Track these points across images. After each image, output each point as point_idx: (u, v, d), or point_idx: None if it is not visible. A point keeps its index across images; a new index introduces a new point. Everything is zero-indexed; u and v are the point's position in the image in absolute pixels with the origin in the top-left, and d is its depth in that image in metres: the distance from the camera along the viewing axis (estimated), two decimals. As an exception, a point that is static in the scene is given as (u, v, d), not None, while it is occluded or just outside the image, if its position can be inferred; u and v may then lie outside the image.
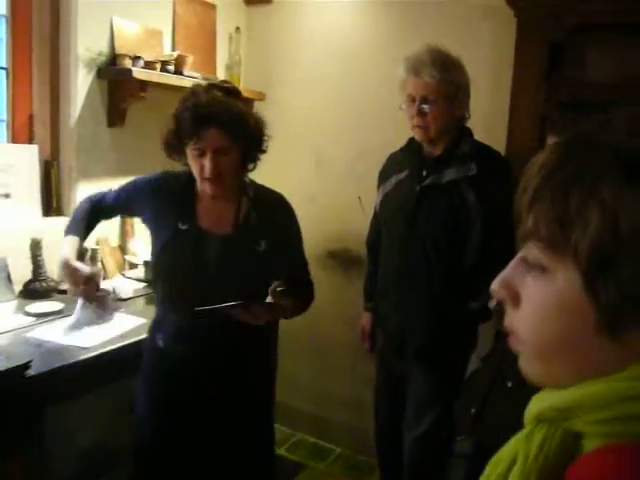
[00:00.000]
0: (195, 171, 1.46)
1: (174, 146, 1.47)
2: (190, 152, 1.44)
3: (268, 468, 1.75)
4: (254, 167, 1.58)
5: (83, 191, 2.18)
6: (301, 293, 1.62)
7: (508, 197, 1.85)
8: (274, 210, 1.61)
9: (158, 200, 1.54)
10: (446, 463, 2.02)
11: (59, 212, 2.18)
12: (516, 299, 0.52)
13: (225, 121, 1.40)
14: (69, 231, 1.62)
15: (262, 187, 1.62)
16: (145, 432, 1.54)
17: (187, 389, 1.51)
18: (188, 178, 1.53)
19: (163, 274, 1.52)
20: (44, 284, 1.95)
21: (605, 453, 0.45)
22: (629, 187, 0.43)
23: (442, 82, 1.75)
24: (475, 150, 1.83)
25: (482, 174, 1.78)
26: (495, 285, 0.53)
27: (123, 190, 1.65)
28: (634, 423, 0.44)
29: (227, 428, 1.57)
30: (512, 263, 0.53)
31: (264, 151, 1.55)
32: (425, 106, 1.77)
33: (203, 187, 1.47)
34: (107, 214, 1.73)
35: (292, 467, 2.71)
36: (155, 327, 1.56)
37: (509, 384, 1.47)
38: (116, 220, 2.33)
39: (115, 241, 2.35)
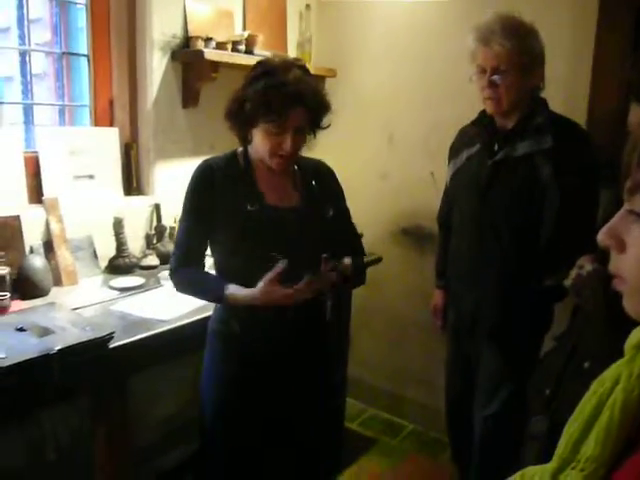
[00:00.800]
0: (265, 147, 1.44)
1: (244, 120, 1.44)
2: (265, 128, 1.41)
3: (336, 445, 1.77)
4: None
5: (160, 171, 2.28)
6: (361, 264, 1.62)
7: (588, 170, 1.78)
8: (325, 176, 1.62)
9: (217, 189, 1.48)
10: (518, 443, 1.97)
11: (139, 191, 2.29)
12: (622, 245, 0.57)
13: (312, 101, 1.42)
14: (209, 293, 1.53)
15: (302, 156, 1.60)
16: (220, 410, 1.56)
17: (263, 369, 1.53)
18: (233, 158, 1.53)
19: (239, 260, 1.48)
20: (127, 260, 2.06)
21: None
22: None
23: (513, 51, 1.67)
24: (551, 121, 1.74)
25: (559, 146, 1.69)
26: (602, 234, 0.58)
27: (187, 221, 1.53)
28: None
29: (300, 405, 1.60)
30: (618, 214, 0.58)
31: (327, 127, 1.54)
32: (496, 77, 1.70)
33: (271, 163, 1.47)
34: (201, 255, 1.57)
35: (364, 442, 2.74)
36: (228, 313, 1.53)
37: (586, 364, 1.42)
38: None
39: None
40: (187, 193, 1.52)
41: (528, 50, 1.70)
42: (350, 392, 2.83)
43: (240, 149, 1.54)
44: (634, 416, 0.55)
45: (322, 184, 1.58)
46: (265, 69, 1.42)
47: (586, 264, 1.43)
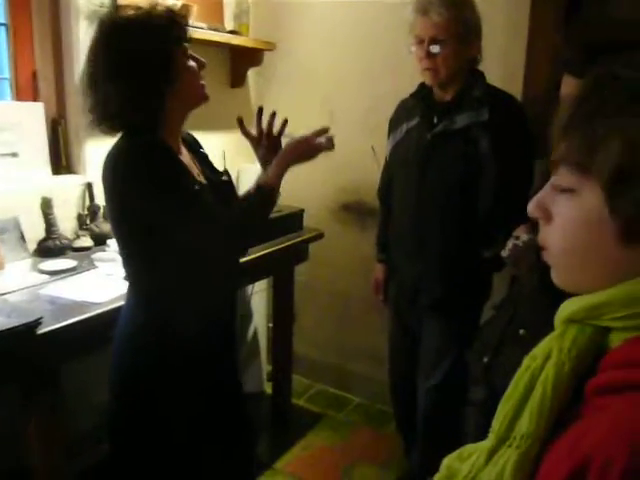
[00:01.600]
0: (192, 84, 1.29)
1: (160, 69, 1.22)
2: (183, 63, 1.27)
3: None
4: None
5: (92, 148, 2.17)
6: None
7: (523, 142, 1.81)
8: (197, 143, 1.55)
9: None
10: (460, 412, 2.02)
11: (69, 170, 2.17)
12: (549, 217, 0.60)
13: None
14: (259, 198, 1.36)
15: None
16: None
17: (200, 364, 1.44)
18: (156, 138, 1.27)
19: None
20: (57, 242, 1.96)
21: (635, 342, 0.52)
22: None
23: (451, 20, 1.67)
24: (488, 94, 1.76)
25: (495, 119, 1.72)
26: (530, 205, 0.61)
27: (182, 187, 1.28)
28: None
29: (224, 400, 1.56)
30: (545, 187, 0.60)
31: None
32: (434, 46, 1.70)
33: (200, 97, 1.34)
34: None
35: (312, 417, 2.76)
36: (168, 317, 1.36)
37: (521, 332, 1.45)
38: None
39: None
40: (153, 168, 1.23)
41: (465, 20, 1.70)
42: (296, 369, 2.83)
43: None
44: (566, 391, 0.56)
45: (203, 153, 1.51)
46: (136, 20, 1.24)
47: (521, 234, 1.46)
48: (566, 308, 0.59)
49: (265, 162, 1.52)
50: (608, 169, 0.52)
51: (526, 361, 0.61)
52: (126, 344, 1.38)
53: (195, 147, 1.49)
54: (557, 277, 0.61)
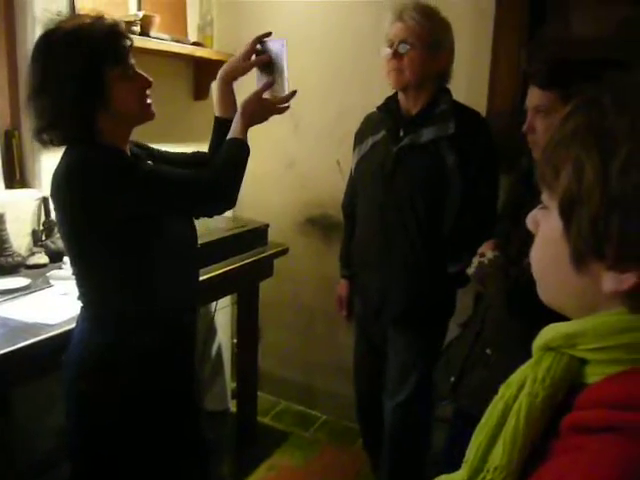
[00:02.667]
0: (130, 100, 1.25)
1: (89, 86, 1.20)
2: (118, 80, 1.23)
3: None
4: None
5: (48, 162, 2.09)
6: None
7: (489, 158, 1.84)
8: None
9: None
10: (428, 428, 2.01)
11: (23, 184, 2.09)
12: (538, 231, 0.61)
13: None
14: (232, 149, 1.40)
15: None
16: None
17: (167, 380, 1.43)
18: (103, 148, 1.26)
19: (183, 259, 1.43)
20: (10, 259, 1.87)
21: (615, 380, 0.51)
22: (596, 152, 0.51)
23: (423, 27, 1.70)
24: (454, 109, 1.77)
25: (461, 133, 1.73)
26: (527, 218, 0.62)
27: (147, 169, 1.34)
28: (634, 351, 0.50)
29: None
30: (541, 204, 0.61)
31: None
32: (402, 45, 1.71)
33: (146, 114, 1.31)
34: None
35: (277, 435, 2.70)
36: (130, 326, 1.34)
37: (488, 351, 1.44)
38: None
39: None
40: (110, 163, 1.21)
41: (437, 32, 1.74)
42: (261, 386, 2.78)
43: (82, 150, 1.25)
44: (539, 421, 0.54)
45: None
46: (70, 33, 1.21)
47: (487, 252, 1.45)
48: (544, 335, 0.58)
49: (223, 96, 1.52)
50: (561, 193, 0.54)
51: (501, 389, 0.59)
52: (79, 366, 1.33)
53: (143, 158, 1.44)
54: (538, 291, 0.62)
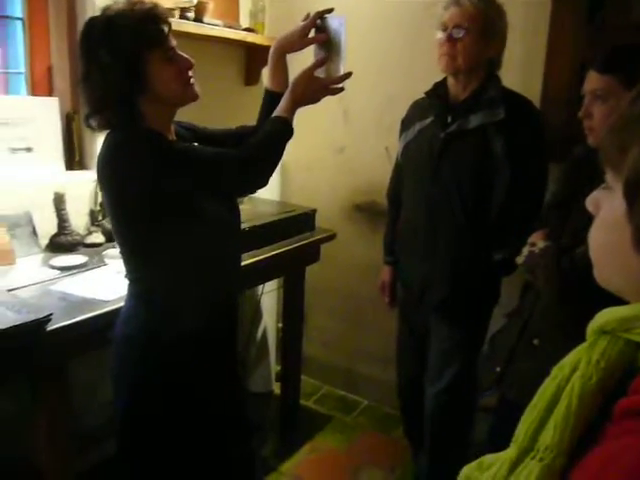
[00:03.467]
0: (170, 82, 1.26)
1: (131, 70, 1.22)
2: (159, 63, 1.24)
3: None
4: None
5: (105, 144, 2.17)
6: None
7: (538, 145, 1.80)
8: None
9: None
10: (469, 418, 2.00)
11: (82, 166, 2.17)
12: (597, 212, 0.60)
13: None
14: (276, 129, 1.38)
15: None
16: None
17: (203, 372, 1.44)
18: (146, 130, 1.28)
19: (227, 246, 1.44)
20: (69, 238, 1.96)
21: None
22: None
23: (479, 12, 1.68)
24: (503, 95, 1.75)
25: (511, 120, 1.70)
26: (587, 199, 0.61)
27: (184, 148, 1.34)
28: None
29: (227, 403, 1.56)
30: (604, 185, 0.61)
31: None
32: (457, 30, 1.69)
33: (188, 95, 1.31)
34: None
35: (320, 419, 2.74)
36: (173, 314, 1.36)
37: (535, 341, 1.42)
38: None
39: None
40: (148, 144, 1.24)
41: (493, 19, 1.71)
42: (305, 370, 2.82)
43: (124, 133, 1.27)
44: (592, 403, 0.54)
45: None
46: (108, 21, 1.22)
47: (538, 242, 1.43)
48: (599, 318, 0.57)
49: (275, 68, 1.50)
50: (627, 173, 0.53)
51: (554, 371, 0.59)
52: (127, 344, 1.37)
53: (188, 139, 1.46)
54: (595, 273, 0.61)
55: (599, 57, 1.37)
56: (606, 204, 0.57)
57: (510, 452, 0.58)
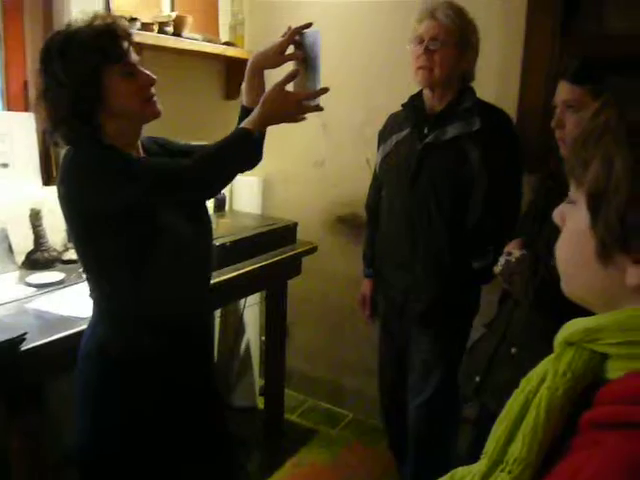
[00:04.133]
0: (128, 98, 1.24)
1: (88, 85, 1.19)
2: (116, 78, 1.21)
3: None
4: None
5: (83, 159, 2.15)
6: None
7: (513, 155, 1.84)
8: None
9: None
10: (452, 429, 2.00)
11: (59, 181, 2.14)
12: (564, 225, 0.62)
13: (129, 33, 1.29)
14: (234, 141, 1.31)
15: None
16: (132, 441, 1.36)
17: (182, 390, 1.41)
18: (102, 145, 1.26)
19: (184, 259, 1.36)
20: (46, 254, 1.93)
21: (633, 375, 0.50)
22: (626, 145, 0.53)
23: (455, 26, 1.72)
24: (478, 106, 1.78)
25: (485, 129, 1.73)
26: (554, 213, 0.63)
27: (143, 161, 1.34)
28: None
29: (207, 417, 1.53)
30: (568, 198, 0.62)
31: None
32: (433, 43, 1.72)
33: (147, 113, 1.27)
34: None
35: (304, 433, 2.72)
36: (133, 328, 1.34)
37: (513, 350, 1.43)
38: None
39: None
40: (107, 164, 1.22)
41: (467, 32, 1.75)
42: (289, 383, 2.80)
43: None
44: (560, 415, 0.54)
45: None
46: (66, 37, 1.20)
47: (514, 251, 1.44)
48: (565, 330, 0.58)
49: (251, 84, 1.43)
50: (589, 186, 0.55)
51: (522, 383, 0.60)
52: (84, 360, 1.35)
53: (160, 154, 1.43)
54: (562, 285, 0.62)
55: (570, 68, 1.39)
56: (571, 217, 0.59)
57: (481, 465, 0.59)
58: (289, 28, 1.38)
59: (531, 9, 2.11)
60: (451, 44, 1.72)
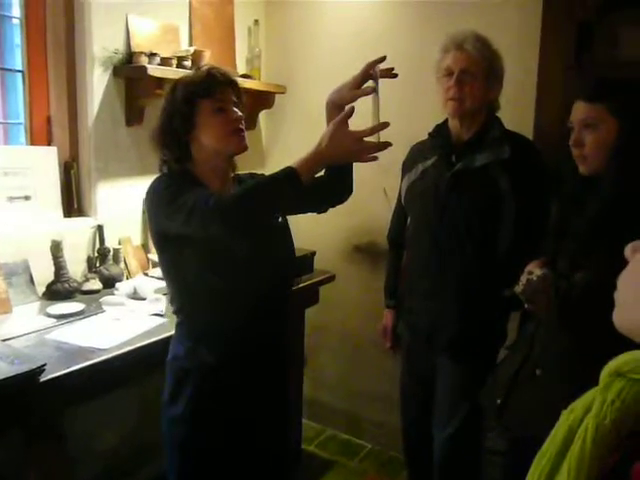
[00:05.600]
0: (219, 129, 1.36)
1: (184, 117, 1.35)
2: (209, 112, 1.35)
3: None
4: None
5: (103, 191, 2.19)
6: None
7: (541, 181, 1.84)
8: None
9: None
10: (478, 461, 1.95)
11: (80, 213, 2.18)
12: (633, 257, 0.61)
13: (236, 82, 1.45)
14: (276, 180, 1.26)
15: (239, 173, 1.59)
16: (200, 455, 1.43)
17: (241, 401, 1.45)
18: (181, 175, 1.39)
19: (242, 277, 1.38)
20: (66, 285, 1.95)
21: None
22: None
23: (483, 57, 1.75)
24: (506, 134, 1.80)
25: (515, 158, 1.74)
26: (627, 247, 0.61)
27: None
28: None
29: (271, 429, 1.55)
30: None
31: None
32: (464, 75, 1.75)
33: (231, 147, 1.38)
34: None
35: (322, 464, 2.68)
36: (194, 342, 1.41)
37: (537, 372, 1.40)
38: (138, 218, 2.32)
39: (138, 240, 2.34)
40: (163, 192, 1.33)
41: (494, 63, 1.78)
42: (307, 413, 2.77)
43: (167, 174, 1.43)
44: (607, 444, 0.52)
45: None
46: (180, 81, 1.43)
47: (535, 269, 1.42)
48: (616, 361, 0.56)
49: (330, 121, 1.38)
50: None
51: (564, 415, 0.57)
52: (167, 366, 1.46)
53: None
54: (615, 314, 0.61)
55: (586, 88, 1.40)
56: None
57: None
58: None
59: (545, 36, 2.13)
60: (481, 76, 1.75)
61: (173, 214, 1.28)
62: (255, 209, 1.26)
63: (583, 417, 0.54)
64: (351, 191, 1.54)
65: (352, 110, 1.27)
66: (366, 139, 1.23)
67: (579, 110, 1.40)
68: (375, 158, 1.28)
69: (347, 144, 1.23)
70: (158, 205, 1.34)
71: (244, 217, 1.25)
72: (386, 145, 1.24)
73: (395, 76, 1.40)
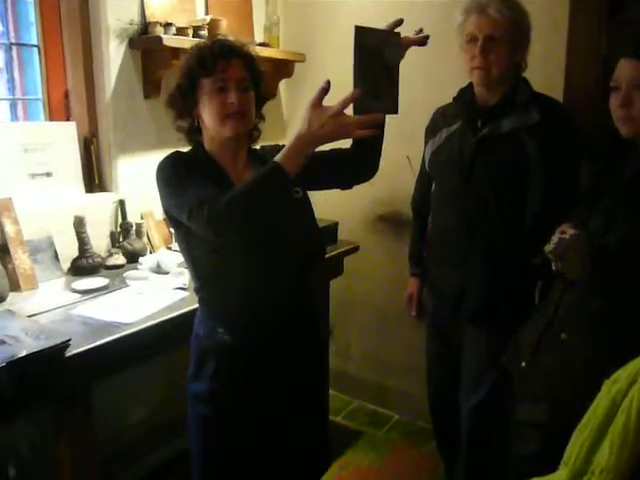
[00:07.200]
0: (215, 112, 1.30)
1: (185, 94, 1.33)
2: (207, 89, 1.30)
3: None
4: (260, 120, 1.47)
5: (123, 166, 2.18)
6: None
7: (571, 146, 1.76)
8: None
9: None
10: (507, 431, 1.92)
11: (102, 188, 2.18)
12: None
13: (246, 54, 1.36)
14: (262, 179, 1.22)
15: (263, 146, 1.55)
16: (218, 431, 1.40)
17: (262, 383, 1.40)
18: (194, 154, 1.39)
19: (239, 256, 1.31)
20: (90, 260, 1.96)
21: None
22: None
23: (509, 20, 1.64)
24: (534, 98, 1.71)
25: (544, 122, 1.66)
26: None
27: (189, 181, 1.29)
28: None
29: (296, 405, 1.48)
30: None
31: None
32: (489, 42, 1.65)
33: (225, 131, 1.31)
34: None
35: (350, 435, 2.68)
36: (213, 321, 1.39)
37: (563, 335, 1.36)
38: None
39: (160, 214, 2.33)
40: (169, 174, 1.31)
41: (521, 24, 1.68)
42: (334, 384, 2.76)
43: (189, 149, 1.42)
44: None
45: None
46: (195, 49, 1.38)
47: (568, 229, 1.37)
48: None
49: None
50: None
51: (606, 386, 0.54)
52: (192, 342, 1.45)
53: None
54: None
55: (632, 45, 1.31)
56: None
57: (560, 475, 0.53)
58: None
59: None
60: (507, 41, 1.65)
61: (175, 207, 1.29)
62: (246, 215, 1.21)
63: (628, 389, 0.51)
64: (377, 169, 1.51)
65: (328, 85, 1.19)
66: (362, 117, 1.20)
67: (627, 68, 1.31)
68: (372, 132, 1.23)
69: (326, 123, 1.17)
70: (164, 189, 1.32)
71: (236, 225, 1.21)
72: (374, 118, 1.21)
73: (425, 40, 1.41)
